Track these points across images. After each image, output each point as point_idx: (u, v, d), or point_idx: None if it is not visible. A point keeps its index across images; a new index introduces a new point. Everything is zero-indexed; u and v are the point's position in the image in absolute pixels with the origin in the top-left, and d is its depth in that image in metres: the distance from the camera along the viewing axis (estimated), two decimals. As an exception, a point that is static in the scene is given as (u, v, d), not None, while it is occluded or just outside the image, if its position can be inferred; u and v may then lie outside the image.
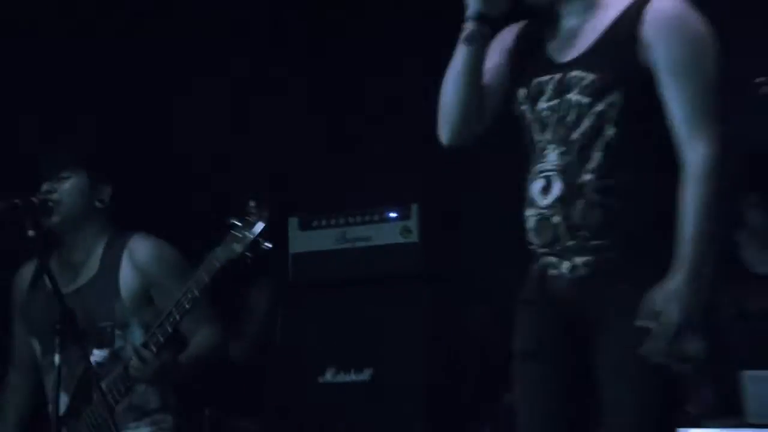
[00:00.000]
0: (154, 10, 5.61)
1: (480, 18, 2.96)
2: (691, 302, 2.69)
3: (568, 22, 3.00)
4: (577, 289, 2.90)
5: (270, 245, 3.59)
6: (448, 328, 5.03)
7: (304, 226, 5.13)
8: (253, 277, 5.31)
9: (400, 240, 5.00)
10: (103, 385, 3.53)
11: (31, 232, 3.54)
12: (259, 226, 3.54)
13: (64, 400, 3.66)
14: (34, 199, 3.70)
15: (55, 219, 3.82)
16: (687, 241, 2.70)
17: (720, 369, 4.27)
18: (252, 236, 3.53)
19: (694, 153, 2.77)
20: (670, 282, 2.65)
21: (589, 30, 2.96)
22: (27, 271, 4.02)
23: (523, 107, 3.03)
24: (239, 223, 3.54)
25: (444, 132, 3.10)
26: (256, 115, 5.86)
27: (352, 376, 4.94)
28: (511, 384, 3.84)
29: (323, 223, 5.06)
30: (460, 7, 3.10)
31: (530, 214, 3.00)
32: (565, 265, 2.96)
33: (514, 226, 3.13)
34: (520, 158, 3.07)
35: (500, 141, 3.19)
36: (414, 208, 5.00)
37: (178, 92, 5.56)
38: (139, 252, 3.90)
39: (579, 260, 2.92)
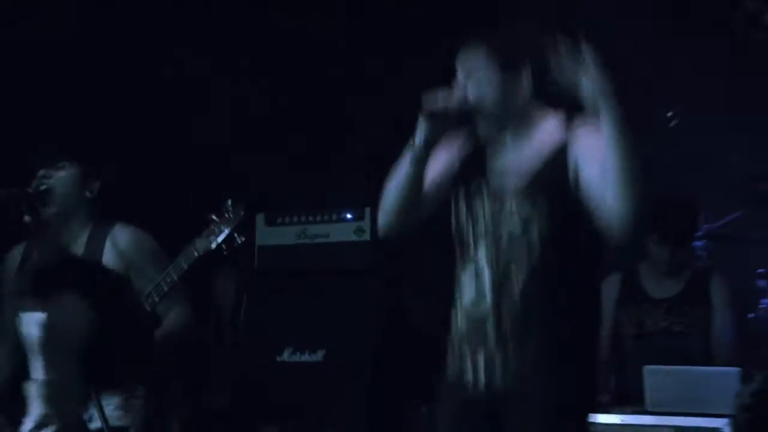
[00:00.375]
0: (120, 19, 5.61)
1: (426, 143, 2.95)
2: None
3: (505, 145, 3.02)
4: (493, 380, 2.93)
5: (242, 239, 3.66)
6: (392, 318, 5.18)
7: (270, 222, 5.24)
8: (219, 266, 5.34)
9: (354, 238, 5.16)
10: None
11: (27, 218, 3.64)
12: (234, 221, 3.63)
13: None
14: (30, 189, 3.75)
15: (51, 209, 3.82)
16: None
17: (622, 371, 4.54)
18: (227, 231, 3.60)
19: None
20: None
21: (523, 157, 2.97)
22: (17, 253, 4.02)
23: (460, 213, 3.04)
24: (217, 219, 3.62)
25: (381, 226, 3.14)
26: (231, 118, 5.92)
27: (307, 357, 5.08)
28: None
29: (286, 220, 5.18)
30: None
31: (459, 318, 3.02)
32: (472, 377, 2.98)
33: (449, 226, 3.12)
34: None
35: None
36: (368, 210, 5.13)
37: (160, 95, 5.61)
38: (121, 238, 3.90)
39: (498, 357, 2.93)
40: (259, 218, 5.19)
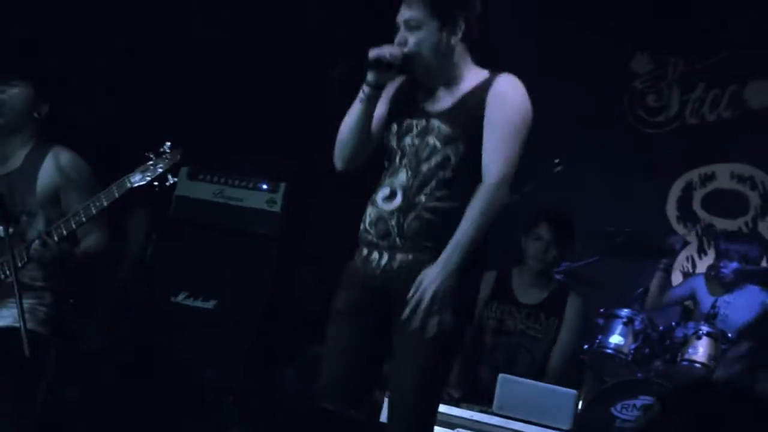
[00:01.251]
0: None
1: (375, 86, 3.14)
2: (441, 283, 2.94)
3: (440, 86, 3.23)
4: (389, 276, 3.10)
5: (174, 180, 3.67)
6: (284, 284, 5.24)
7: (192, 176, 5.21)
8: (134, 206, 5.27)
9: (265, 207, 5.18)
10: (2, 259, 3.60)
11: None
12: (169, 163, 3.60)
13: None
14: None
15: (0, 121, 3.86)
16: (451, 242, 2.99)
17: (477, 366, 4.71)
18: (162, 170, 3.60)
19: (485, 182, 3.06)
20: (430, 268, 2.96)
21: (451, 94, 3.19)
22: None
23: (391, 137, 3.23)
24: (153, 157, 3.61)
25: (338, 161, 3.27)
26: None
27: (199, 303, 5.10)
28: (320, 337, 4.16)
29: (207, 178, 5.18)
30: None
31: (371, 212, 3.20)
32: (385, 257, 3.15)
33: (352, 218, 3.30)
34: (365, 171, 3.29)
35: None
36: (282, 186, 5.19)
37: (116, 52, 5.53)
38: (62, 158, 3.89)
39: (399, 256, 3.13)
40: (183, 171, 5.06)
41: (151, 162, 3.63)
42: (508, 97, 3.15)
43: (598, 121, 5.96)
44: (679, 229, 6.02)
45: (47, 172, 3.88)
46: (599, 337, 4.86)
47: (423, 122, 3.20)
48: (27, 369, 3.66)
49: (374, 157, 3.40)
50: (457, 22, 3.18)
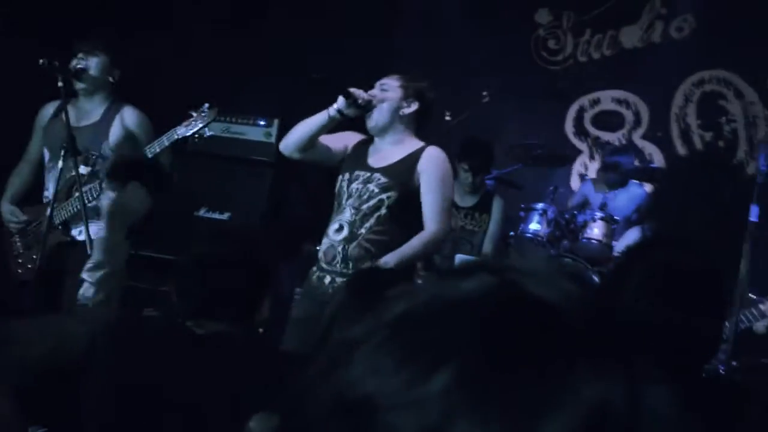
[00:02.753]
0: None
1: (339, 111, 3.34)
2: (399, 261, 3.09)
3: (383, 146, 3.42)
4: (332, 293, 3.11)
5: (210, 132, 3.84)
6: (279, 198, 5.43)
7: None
8: None
9: (263, 139, 5.35)
10: (83, 189, 3.66)
11: (60, 84, 3.71)
12: (207, 120, 3.73)
13: (52, 190, 3.82)
14: (69, 66, 3.87)
15: (81, 84, 3.94)
16: (393, 252, 3.18)
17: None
18: (201, 125, 3.72)
19: (426, 228, 3.26)
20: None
21: (392, 155, 3.37)
22: (51, 106, 4.08)
23: (342, 183, 3.40)
24: (195, 114, 3.74)
25: (284, 144, 3.49)
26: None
27: (216, 215, 5.26)
28: (310, 239, 4.37)
29: (219, 118, 5.06)
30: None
31: (325, 242, 3.38)
32: (328, 279, 3.31)
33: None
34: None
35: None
36: (276, 121, 5.35)
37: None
38: (129, 116, 4.01)
39: (339, 279, 3.24)
40: (197, 114, 5.23)
41: (192, 118, 3.73)
42: (439, 162, 3.34)
43: (512, 61, 6.16)
44: (575, 141, 6.26)
45: (117, 127, 3.99)
46: (521, 225, 5.17)
47: (367, 174, 3.34)
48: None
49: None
50: (412, 101, 3.39)
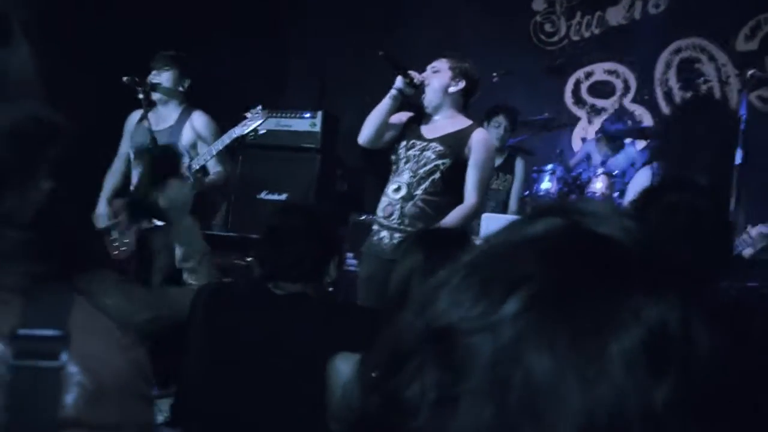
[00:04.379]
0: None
1: (400, 92, 3.26)
2: None
3: (436, 120, 3.32)
4: (391, 249, 3.15)
5: (264, 131, 3.83)
6: (327, 178, 5.42)
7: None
8: None
9: (309, 129, 5.33)
10: None
11: (140, 96, 3.82)
12: (260, 119, 3.73)
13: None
14: (147, 80, 3.90)
15: (156, 95, 3.97)
16: (443, 221, 3.03)
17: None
18: (255, 124, 3.72)
19: (467, 200, 3.17)
20: None
21: (445, 128, 3.27)
22: (136, 114, 4.07)
23: (400, 150, 3.29)
24: (249, 115, 3.74)
25: (361, 137, 3.34)
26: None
27: (276, 196, 5.24)
28: (355, 210, 4.31)
29: (271, 114, 5.06)
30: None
31: (384, 200, 3.26)
32: (386, 234, 3.21)
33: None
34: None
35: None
36: (320, 113, 5.35)
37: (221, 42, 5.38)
38: (197, 120, 4.01)
39: (397, 235, 3.17)
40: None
41: (248, 119, 3.73)
42: (488, 144, 3.26)
43: (516, 45, 6.10)
44: (574, 110, 6.18)
45: (188, 129, 4.00)
46: (534, 186, 5.08)
47: (424, 143, 3.24)
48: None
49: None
50: (461, 80, 3.28)
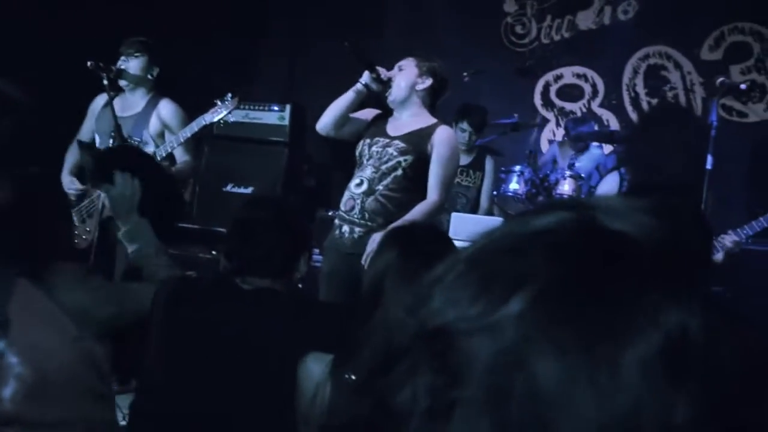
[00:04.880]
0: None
1: (366, 87, 3.24)
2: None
3: (401, 118, 3.30)
4: (351, 243, 3.16)
5: (233, 119, 3.78)
6: (294, 172, 5.34)
7: None
8: None
9: (277, 122, 5.24)
10: None
11: (105, 82, 3.68)
12: (230, 107, 3.67)
13: None
14: (113, 67, 3.80)
15: (124, 81, 3.88)
16: (403, 219, 2.99)
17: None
18: (225, 112, 3.65)
19: (429, 197, 3.15)
20: (379, 232, 2.93)
21: (409, 125, 3.25)
22: (101, 99, 3.97)
23: (364, 146, 3.27)
24: (219, 103, 3.67)
25: (319, 124, 3.34)
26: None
27: (242, 189, 5.15)
28: (322, 204, 4.23)
29: (239, 106, 5.02)
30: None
31: (346, 194, 3.25)
32: (347, 228, 3.20)
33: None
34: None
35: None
36: (288, 106, 5.25)
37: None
38: (164, 108, 3.93)
39: (357, 229, 3.17)
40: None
41: (218, 106, 3.67)
42: (451, 141, 3.23)
43: (486, 46, 6.09)
44: (543, 112, 6.17)
45: (154, 118, 3.91)
46: (502, 186, 5.02)
47: (387, 140, 3.22)
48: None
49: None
50: (427, 77, 3.25)
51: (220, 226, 4.61)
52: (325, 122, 3.30)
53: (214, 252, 4.51)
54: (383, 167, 3.18)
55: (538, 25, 6.20)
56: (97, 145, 3.99)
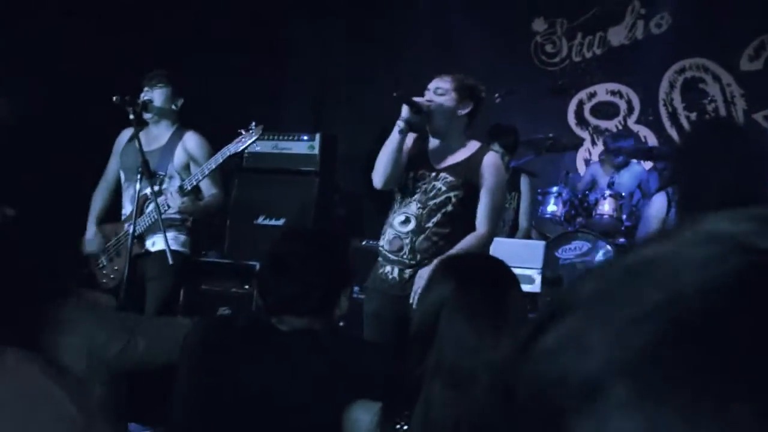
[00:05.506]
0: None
1: (407, 123, 2.97)
2: None
3: (444, 147, 3.06)
4: (401, 285, 2.95)
5: (258, 148, 3.79)
6: (326, 202, 5.13)
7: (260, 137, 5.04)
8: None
9: (307, 152, 5.05)
10: (153, 204, 3.52)
11: (131, 116, 3.60)
12: (254, 136, 3.56)
13: (129, 208, 3.73)
14: (137, 99, 3.70)
15: (148, 114, 3.77)
16: (455, 250, 2.84)
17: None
18: (249, 141, 3.56)
19: (479, 229, 2.96)
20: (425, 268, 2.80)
21: (455, 156, 3.04)
22: (126, 133, 3.90)
23: (408, 180, 3.03)
24: (244, 132, 3.57)
25: (376, 181, 3.04)
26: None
27: (273, 221, 4.94)
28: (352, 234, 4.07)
29: (266, 137, 4.72)
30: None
31: (389, 231, 3.00)
32: (395, 269, 2.98)
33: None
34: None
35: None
36: (318, 136, 5.08)
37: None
38: (189, 140, 3.85)
39: (408, 270, 2.95)
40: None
41: (242, 136, 3.56)
42: (500, 170, 3.05)
43: (517, 66, 5.98)
44: (578, 131, 6.03)
45: (180, 150, 3.82)
46: (540, 208, 4.95)
47: (433, 173, 3.01)
48: (174, 276, 3.65)
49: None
50: (468, 102, 3.02)
51: (253, 261, 4.52)
52: (382, 177, 3.01)
53: (247, 287, 4.36)
54: (431, 203, 2.97)
55: (569, 43, 6.09)
56: (122, 182, 3.93)
